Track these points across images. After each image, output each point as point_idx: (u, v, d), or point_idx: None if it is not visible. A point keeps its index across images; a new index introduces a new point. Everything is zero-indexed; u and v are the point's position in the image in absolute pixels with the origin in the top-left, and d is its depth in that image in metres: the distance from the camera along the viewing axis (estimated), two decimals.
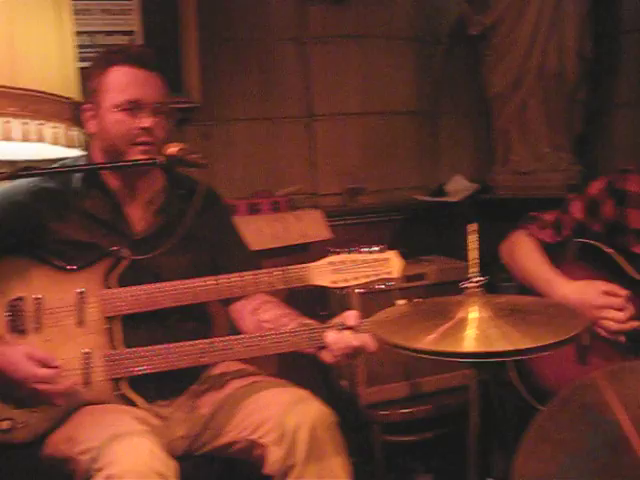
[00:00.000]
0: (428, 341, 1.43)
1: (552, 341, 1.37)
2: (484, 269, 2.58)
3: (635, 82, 3.60)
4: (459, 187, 3.92)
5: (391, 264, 2.06)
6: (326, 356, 2.00)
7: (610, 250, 2.18)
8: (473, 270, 1.59)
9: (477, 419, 1.57)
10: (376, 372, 2.92)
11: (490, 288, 2.55)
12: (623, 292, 2.03)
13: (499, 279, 2.51)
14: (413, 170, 4.05)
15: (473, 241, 1.59)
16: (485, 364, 2.34)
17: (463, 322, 1.49)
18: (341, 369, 3.02)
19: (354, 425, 2.98)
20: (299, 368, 2.35)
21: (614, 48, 3.81)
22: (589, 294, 2.05)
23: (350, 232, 3.57)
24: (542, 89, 3.71)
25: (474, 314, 1.51)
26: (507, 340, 1.40)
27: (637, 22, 3.69)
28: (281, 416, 1.94)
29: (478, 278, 1.58)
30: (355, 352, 1.94)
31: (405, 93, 4.00)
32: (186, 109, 3.42)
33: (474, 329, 1.46)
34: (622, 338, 2.03)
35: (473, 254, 1.58)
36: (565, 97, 3.71)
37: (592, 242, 2.24)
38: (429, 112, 4.11)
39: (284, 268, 2.08)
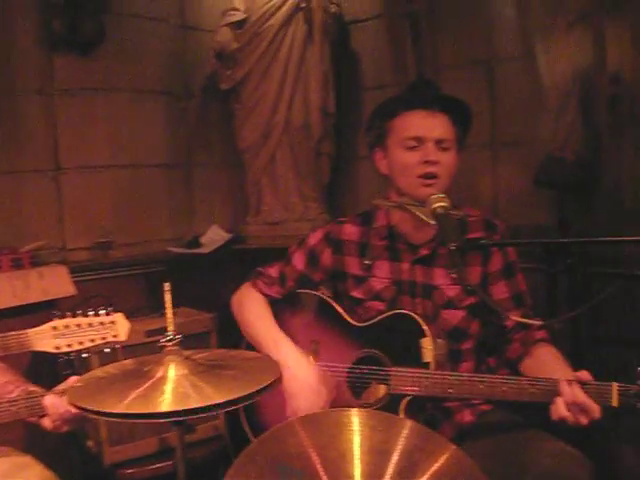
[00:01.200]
0: (124, 404, 1.41)
1: (242, 394, 1.41)
2: None
3: None
4: (214, 238, 3.97)
5: (118, 327, 2.06)
6: (45, 422, 1.92)
7: (329, 299, 2.29)
8: (170, 328, 1.59)
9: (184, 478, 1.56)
10: (121, 430, 2.85)
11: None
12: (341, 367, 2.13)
13: None
14: (167, 222, 4.05)
15: (168, 300, 1.60)
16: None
17: (161, 381, 1.49)
18: (86, 429, 2.92)
19: None
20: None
21: (356, 104, 4.06)
22: (304, 369, 2.10)
23: (102, 287, 3.46)
24: (289, 142, 3.89)
25: (172, 372, 1.51)
26: (201, 397, 1.41)
27: (376, 80, 3.96)
28: None
29: (174, 336, 1.59)
30: (77, 418, 1.88)
31: (157, 145, 4.01)
32: None
33: (170, 389, 1.46)
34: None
35: (169, 313, 1.59)
36: (311, 150, 3.90)
37: (314, 292, 2.33)
38: (183, 164, 4.14)
39: (2, 335, 1.99)
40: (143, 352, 2.89)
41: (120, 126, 3.82)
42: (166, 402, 1.41)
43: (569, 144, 3.03)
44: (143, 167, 3.93)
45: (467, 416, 2.19)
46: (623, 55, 2.91)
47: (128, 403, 1.42)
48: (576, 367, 2.81)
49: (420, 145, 2.07)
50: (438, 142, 2.07)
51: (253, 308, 2.34)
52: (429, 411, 2.11)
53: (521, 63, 3.34)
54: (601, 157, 3.01)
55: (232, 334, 2.53)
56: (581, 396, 1.75)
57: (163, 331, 2.94)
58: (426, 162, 2.06)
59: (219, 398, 1.39)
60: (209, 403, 1.37)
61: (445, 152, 2.09)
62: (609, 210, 3.03)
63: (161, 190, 4.03)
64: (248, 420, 2.27)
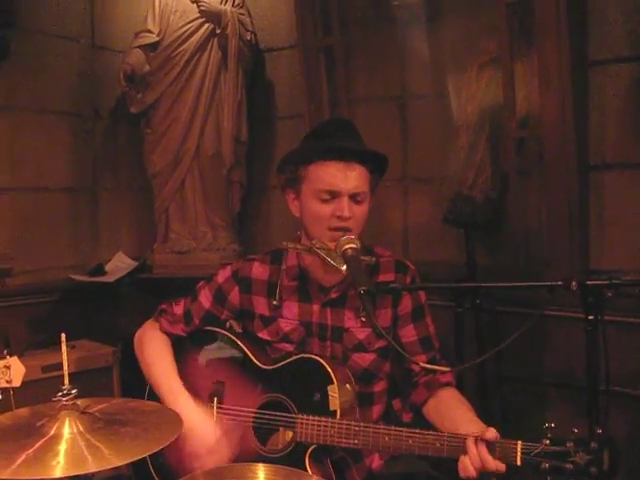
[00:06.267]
0: (11, 469, 1.30)
1: (141, 456, 1.34)
2: None
3: None
4: (120, 265, 3.85)
5: (12, 372, 1.97)
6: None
7: (236, 338, 2.23)
8: (66, 382, 1.50)
9: None
10: None
11: None
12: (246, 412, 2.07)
13: None
14: (70, 248, 3.90)
15: (64, 352, 1.51)
16: None
17: (54, 441, 1.39)
18: None
19: None
20: None
21: (269, 133, 4.01)
22: (204, 427, 2.04)
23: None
24: (199, 170, 3.82)
25: (66, 430, 1.42)
26: (97, 459, 1.33)
27: (290, 109, 3.93)
28: None
29: (70, 391, 1.50)
30: None
31: (61, 168, 3.87)
32: None
33: (64, 450, 1.36)
34: None
35: (65, 365, 1.50)
36: (222, 178, 3.84)
37: (222, 329, 2.27)
38: (88, 188, 4.02)
39: None
40: (39, 388, 2.78)
41: (22, 147, 3.67)
42: (60, 467, 1.32)
43: (478, 183, 3.07)
44: (46, 190, 3.80)
45: (376, 460, 2.18)
46: (531, 98, 2.98)
47: (16, 468, 1.32)
48: (481, 404, 2.89)
49: (334, 198, 2.01)
50: (353, 195, 2.02)
51: (153, 350, 2.28)
52: (338, 454, 2.08)
53: (433, 100, 3.37)
54: (508, 197, 3.07)
55: (135, 368, 2.45)
56: (490, 462, 1.72)
57: (60, 366, 2.84)
58: (339, 217, 2.01)
59: (117, 461, 1.31)
60: (106, 467, 1.29)
61: (359, 204, 2.05)
62: (515, 249, 3.08)
63: (64, 215, 3.89)
64: (153, 461, 2.20)
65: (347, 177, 2.01)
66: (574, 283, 1.88)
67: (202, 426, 2.04)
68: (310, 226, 2.09)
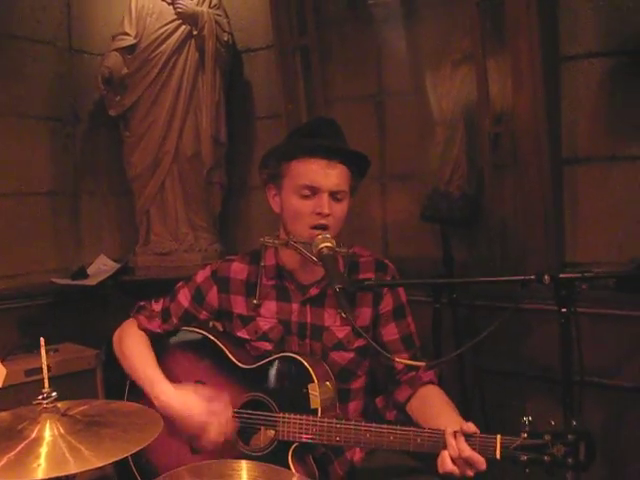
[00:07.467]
0: None
1: (121, 457, 1.37)
2: None
3: None
4: (102, 268, 3.86)
5: None
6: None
7: (216, 338, 2.25)
8: (46, 385, 1.52)
9: None
10: None
11: None
12: (226, 398, 2.10)
13: None
14: (52, 252, 3.91)
15: (44, 356, 1.54)
16: None
17: (35, 444, 1.41)
18: None
19: None
20: None
21: (248, 133, 4.03)
22: (191, 404, 2.07)
23: None
24: (179, 171, 3.83)
25: (47, 432, 1.45)
26: (78, 461, 1.36)
27: (268, 109, 3.95)
28: None
29: (50, 394, 1.52)
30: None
31: (41, 172, 3.88)
32: None
33: (45, 452, 1.39)
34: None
35: (45, 369, 1.52)
36: (202, 179, 3.86)
37: (202, 329, 2.29)
38: (69, 192, 4.03)
39: None
40: (23, 392, 2.80)
41: (2, 152, 3.67)
42: (41, 469, 1.34)
43: (454, 179, 3.11)
44: (27, 195, 3.80)
45: (357, 453, 2.21)
46: (505, 94, 3.01)
47: None
48: (460, 398, 2.92)
49: (314, 195, 2.04)
50: (333, 193, 2.05)
51: (132, 345, 2.30)
52: (320, 450, 2.11)
53: (409, 98, 3.40)
54: (484, 193, 3.10)
55: (118, 370, 2.47)
56: (466, 451, 1.76)
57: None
58: (318, 214, 2.04)
59: (97, 462, 1.34)
60: (87, 468, 1.32)
61: (338, 203, 2.07)
62: (492, 244, 3.12)
63: (45, 219, 3.90)
64: (135, 461, 2.22)
65: (328, 174, 2.04)
66: (547, 277, 1.90)
67: (187, 406, 2.07)
68: (290, 223, 2.12)
